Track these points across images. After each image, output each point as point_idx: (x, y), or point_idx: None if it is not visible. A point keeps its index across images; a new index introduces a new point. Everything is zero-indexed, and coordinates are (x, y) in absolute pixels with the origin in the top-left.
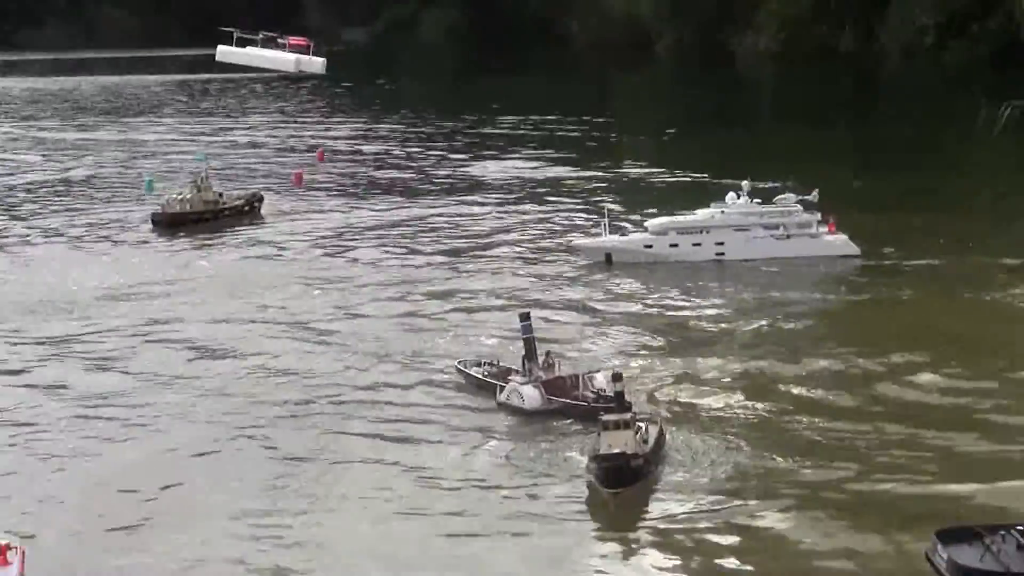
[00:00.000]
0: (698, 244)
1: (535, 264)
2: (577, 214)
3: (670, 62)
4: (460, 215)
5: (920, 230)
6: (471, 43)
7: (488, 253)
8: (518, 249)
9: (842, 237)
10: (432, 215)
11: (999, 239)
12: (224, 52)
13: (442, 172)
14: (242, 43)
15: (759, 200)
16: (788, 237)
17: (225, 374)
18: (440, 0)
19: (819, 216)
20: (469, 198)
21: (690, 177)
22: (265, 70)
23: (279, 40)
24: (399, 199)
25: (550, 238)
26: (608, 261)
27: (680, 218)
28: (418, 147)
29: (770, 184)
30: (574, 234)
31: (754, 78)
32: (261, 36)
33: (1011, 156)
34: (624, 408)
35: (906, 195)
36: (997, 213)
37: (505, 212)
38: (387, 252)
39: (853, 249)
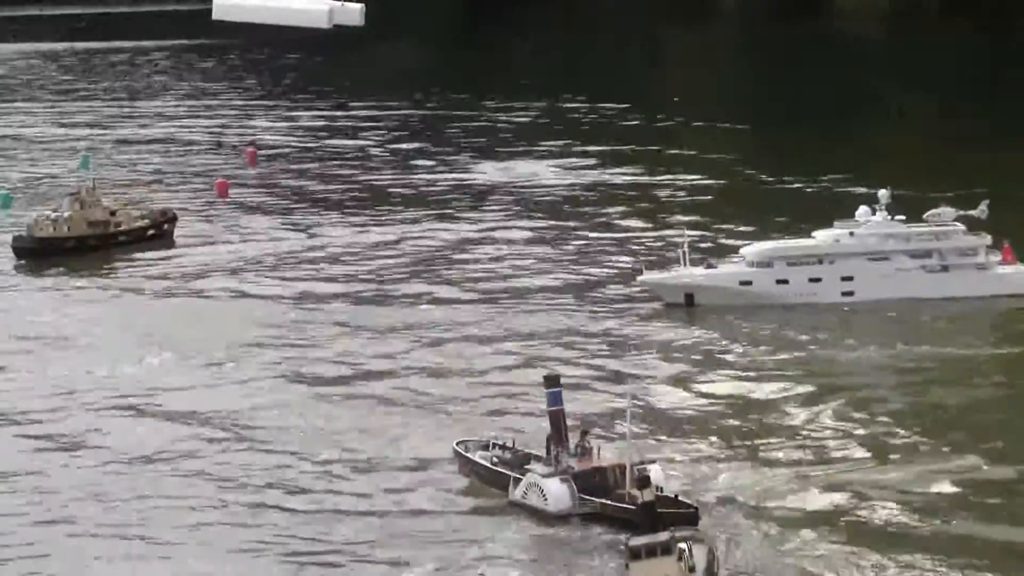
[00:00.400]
0: (817, 279)
1: (580, 307)
2: (639, 236)
3: (740, 15)
4: (455, 237)
5: None
6: None
7: (506, 288)
8: (554, 284)
9: (1022, 269)
10: (415, 238)
11: None
12: (224, 5)
13: (430, 177)
14: None
15: (902, 217)
16: (945, 269)
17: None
18: None
19: (989, 239)
20: (469, 214)
21: (795, 181)
22: (280, 28)
23: None
24: (368, 214)
25: (600, 269)
26: (689, 303)
27: (790, 243)
28: (395, 142)
29: (917, 193)
30: (636, 264)
31: (858, 36)
32: None
33: None
34: (654, 522)
35: None
36: None
37: (525, 233)
38: (353, 290)
39: None
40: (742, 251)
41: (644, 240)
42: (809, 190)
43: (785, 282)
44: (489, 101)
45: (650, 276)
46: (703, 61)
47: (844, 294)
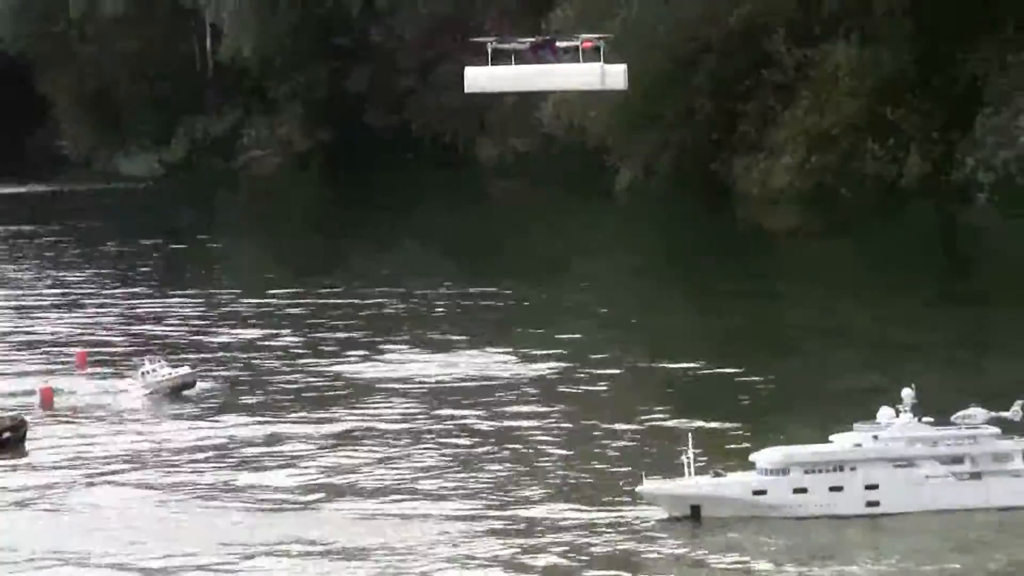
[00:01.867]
0: (838, 488)
1: (572, 519)
2: (628, 438)
3: (641, 195)
4: (364, 455)
5: None
6: (331, 172)
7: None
8: (536, 497)
9: None
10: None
11: None
12: (479, 76)
13: (319, 379)
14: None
15: (930, 418)
16: (978, 476)
17: None
18: (278, 107)
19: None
20: (375, 410)
21: (803, 376)
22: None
23: (560, 44)
24: (240, 411)
25: (587, 478)
26: (695, 516)
27: (808, 448)
28: (268, 338)
29: (944, 392)
30: (631, 473)
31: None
32: (533, 40)
33: None
34: None
35: None
36: None
37: (488, 425)
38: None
39: None
40: (752, 457)
41: (641, 441)
42: (818, 385)
43: (803, 491)
44: (369, 288)
45: (650, 485)
46: (639, 238)
47: (869, 504)
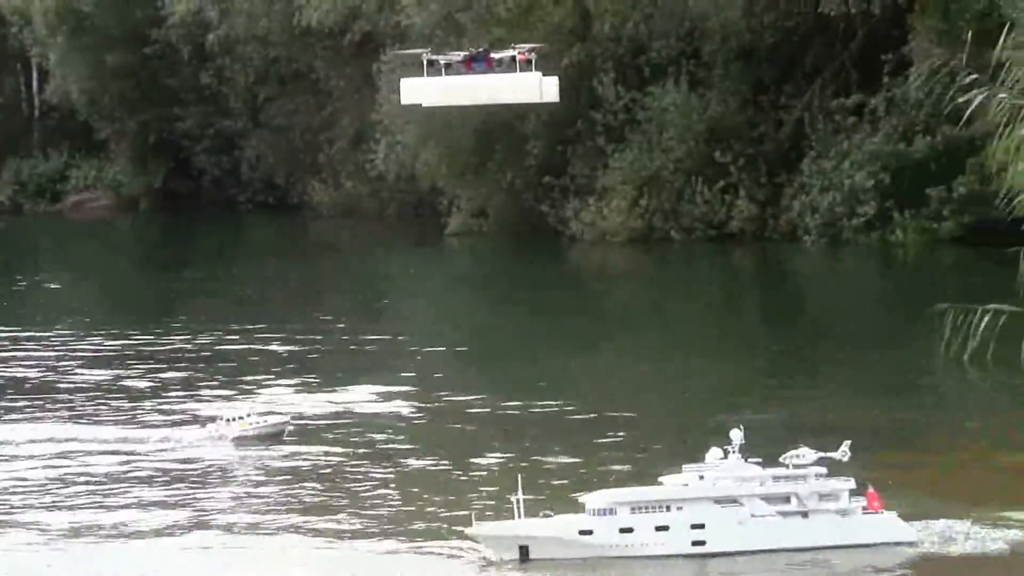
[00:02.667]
0: (664, 528)
1: (396, 563)
2: (459, 479)
3: (472, 238)
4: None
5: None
6: (161, 215)
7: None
8: (364, 537)
9: (889, 515)
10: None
11: None
12: (414, 87)
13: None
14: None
15: (758, 459)
16: (805, 515)
17: None
18: (107, 148)
19: (852, 483)
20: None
21: (633, 417)
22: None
23: (494, 55)
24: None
25: (418, 519)
26: (524, 556)
27: (636, 490)
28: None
29: (773, 432)
30: (462, 514)
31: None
32: (468, 53)
33: None
34: None
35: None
36: None
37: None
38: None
39: (907, 533)
40: (583, 498)
41: (472, 481)
42: (652, 426)
43: (630, 531)
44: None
45: (479, 527)
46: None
47: (695, 543)
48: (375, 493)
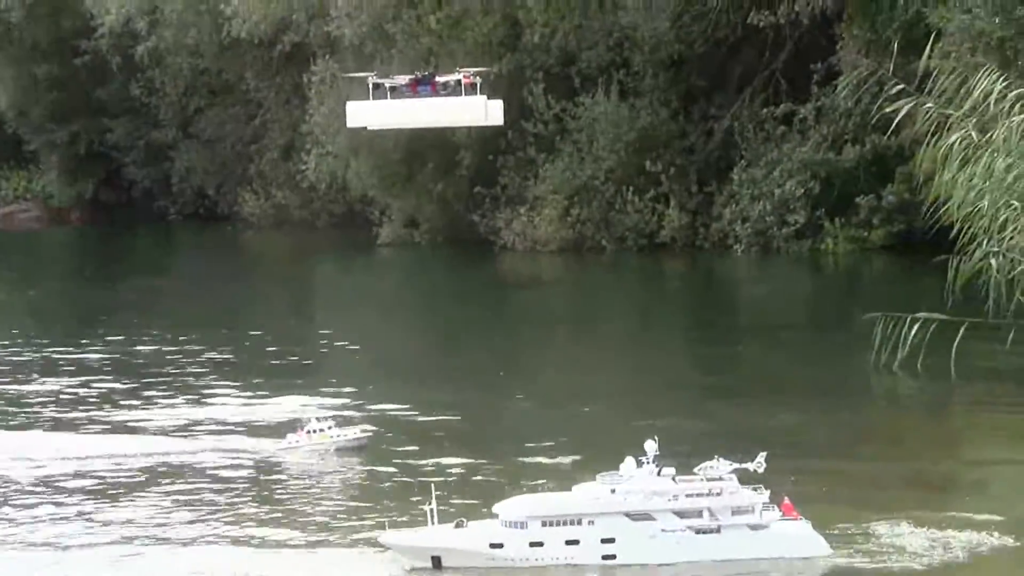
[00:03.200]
0: (574, 542)
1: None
2: (376, 486)
3: (403, 248)
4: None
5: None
6: (91, 227)
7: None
8: (277, 545)
9: (803, 527)
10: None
11: None
12: (360, 111)
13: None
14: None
15: (671, 470)
16: (717, 530)
17: None
18: (37, 160)
19: (766, 496)
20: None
21: (553, 424)
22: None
23: (439, 79)
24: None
25: (332, 526)
26: (436, 566)
27: (548, 500)
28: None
29: (691, 443)
30: (377, 522)
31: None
32: (413, 76)
33: None
34: None
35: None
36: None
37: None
38: None
39: (820, 546)
40: (495, 508)
41: (388, 488)
42: (573, 433)
43: (540, 545)
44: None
45: (391, 535)
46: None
47: (605, 557)
48: (292, 500)
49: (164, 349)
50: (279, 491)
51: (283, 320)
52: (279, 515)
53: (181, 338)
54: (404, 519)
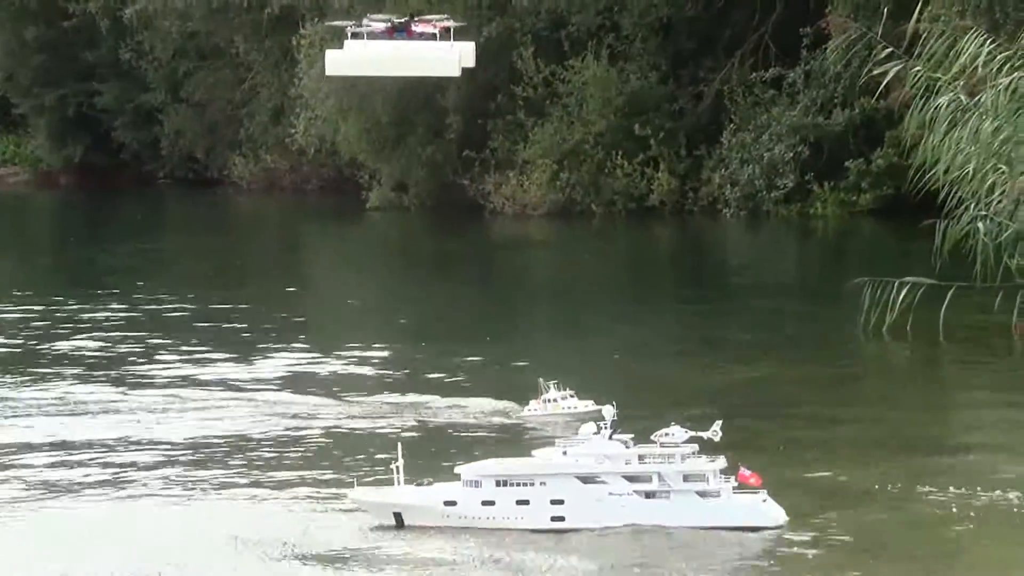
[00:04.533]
0: (525, 502)
1: (277, 526)
2: (348, 443)
3: (393, 211)
4: None
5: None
6: (81, 190)
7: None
8: (247, 497)
9: (755, 497)
10: None
11: None
12: (338, 58)
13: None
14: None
15: (628, 436)
16: (667, 495)
17: None
18: (26, 123)
19: (719, 464)
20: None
21: (528, 389)
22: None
23: (415, 28)
24: None
25: (302, 482)
26: (399, 523)
27: (506, 462)
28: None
29: (654, 408)
30: (348, 478)
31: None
32: (389, 23)
33: None
34: None
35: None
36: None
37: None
38: None
39: (773, 516)
40: (457, 469)
41: (362, 446)
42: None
43: (491, 504)
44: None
45: (359, 492)
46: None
47: (554, 518)
48: (267, 455)
49: (166, 308)
50: (267, 449)
51: (271, 282)
52: (246, 468)
53: (180, 298)
54: (371, 479)
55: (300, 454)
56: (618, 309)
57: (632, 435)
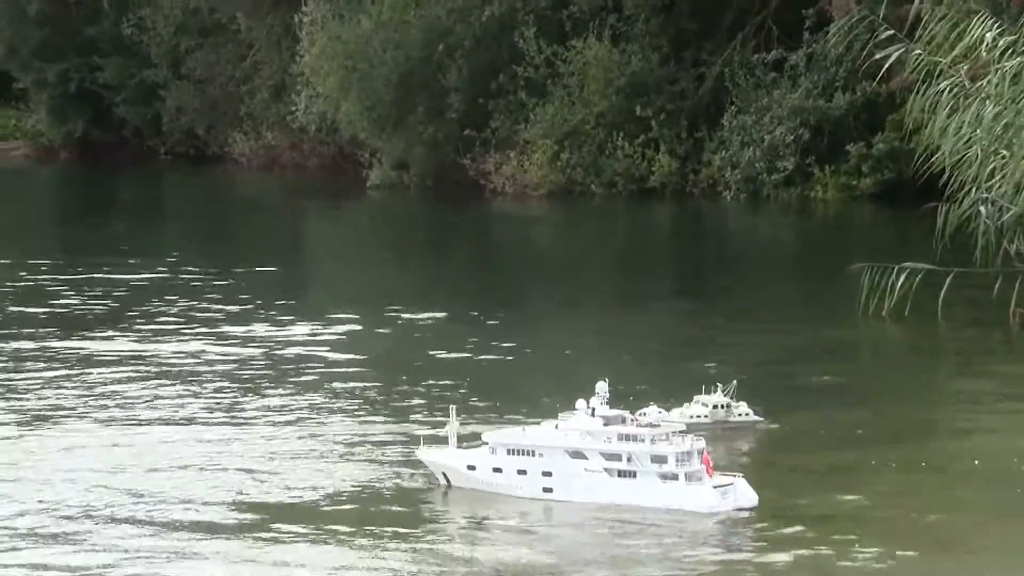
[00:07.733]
0: (523, 472)
1: (345, 486)
2: (411, 406)
3: (393, 190)
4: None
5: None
6: (81, 165)
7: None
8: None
9: (713, 481)
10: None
11: None
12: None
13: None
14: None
15: (618, 412)
16: (633, 475)
17: None
18: (27, 98)
19: (700, 444)
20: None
21: (547, 361)
22: None
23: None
24: None
25: (368, 443)
26: (447, 483)
27: (517, 431)
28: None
29: (650, 385)
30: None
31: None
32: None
33: None
34: None
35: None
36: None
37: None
38: None
39: (750, 498)
40: (483, 435)
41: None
42: (564, 369)
43: (499, 471)
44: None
45: (424, 453)
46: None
47: (544, 489)
48: (321, 419)
49: (173, 278)
50: (302, 411)
51: (280, 255)
52: (300, 430)
53: (166, 271)
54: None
55: (351, 416)
56: (612, 290)
57: (628, 411)
